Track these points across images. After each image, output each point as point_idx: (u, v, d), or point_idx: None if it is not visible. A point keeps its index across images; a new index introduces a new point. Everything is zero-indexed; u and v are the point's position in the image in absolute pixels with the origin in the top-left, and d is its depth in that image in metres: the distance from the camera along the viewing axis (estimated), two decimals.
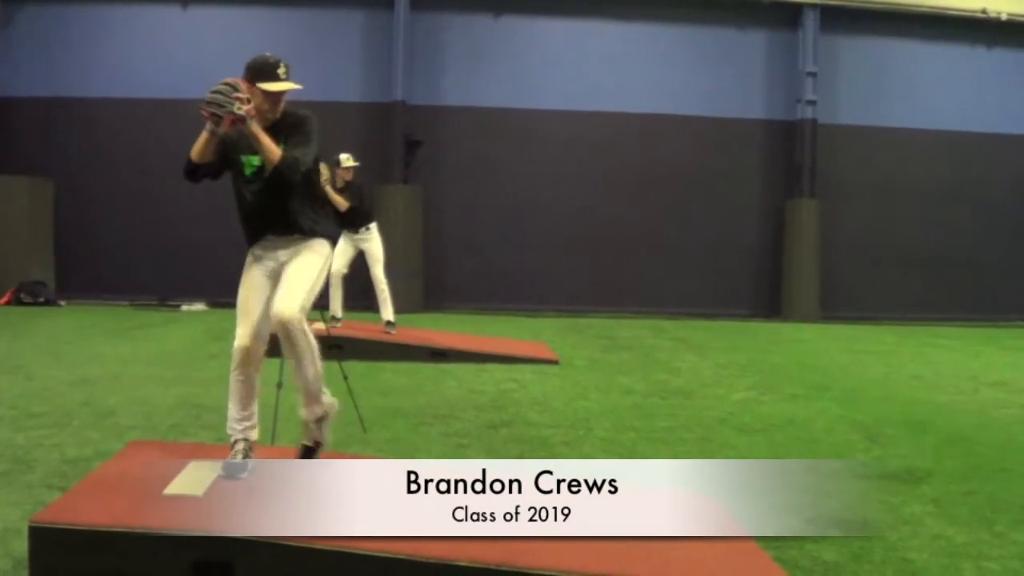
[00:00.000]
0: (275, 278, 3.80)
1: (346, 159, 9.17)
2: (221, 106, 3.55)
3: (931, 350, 11.12)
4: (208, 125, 3.62)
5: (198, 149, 3.69)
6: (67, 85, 14.46)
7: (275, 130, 3.71)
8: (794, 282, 15.14)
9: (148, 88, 14.16)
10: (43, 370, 7.41)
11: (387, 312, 9.30)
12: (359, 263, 9.41)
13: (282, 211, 3.77)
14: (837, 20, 15.34)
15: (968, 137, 15.56)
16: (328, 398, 3.88)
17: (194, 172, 3.76)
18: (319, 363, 3.75)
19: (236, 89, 3.58)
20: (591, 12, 15.24)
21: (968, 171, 15.58)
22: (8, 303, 13.28)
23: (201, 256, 13.83)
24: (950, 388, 8.12)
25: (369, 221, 9.30)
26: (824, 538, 3.68)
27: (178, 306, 13.71)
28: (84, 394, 6.41)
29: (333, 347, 6.57)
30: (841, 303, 15.24)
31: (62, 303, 13.59)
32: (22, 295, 13.42)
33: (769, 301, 15.36)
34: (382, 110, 14.71)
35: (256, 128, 3.60)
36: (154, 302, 13.98)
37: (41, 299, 13.49)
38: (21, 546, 3.22)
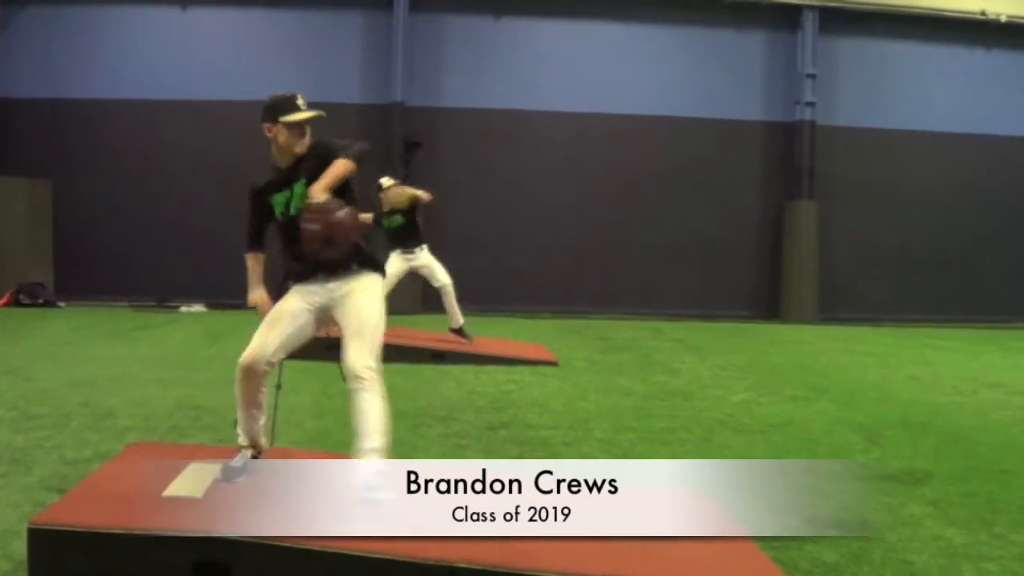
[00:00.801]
0: (321, 313, 3.82)
1: (386, 181, 9.18)
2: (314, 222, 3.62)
3: (930, 351, 11.11)
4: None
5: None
6: (67, 86, 14.43)
7: (304, 164, 3.70)
8: (793, 283, 15.13)
9: (148, 88, 14.14)
10: (42, 371, 7.40)
11: (456, 318, 9.27)
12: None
13: None
14: (836, 21, 15.34)
15: (967, 139, 15.55)
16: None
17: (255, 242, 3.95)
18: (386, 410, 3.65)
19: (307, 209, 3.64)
20: (591, 14, 15.23)
21: (967, 173, 15.57)
22: (7, 304, 13.26)
23: (200, 257, 13.82)
24: (949, 389, 8.11)
25: (420, 242, 9.28)
26: (823, 539, 3.69)
27: (177, 307, 13.68)
28: (83, 395, 6.40)
29: (334, 348, 6.59)
30: (840, 304, 15.23)
31: (61, 304, 13.58)
32: (21, 296, 13.41)
33: (768, 302, 15.35)
34: (381, 111, 14.69)
35: (321, 189, 3.60)
36: (153, 303, 13.96)
37: (40, 300, 13.47)
38: (20, 548, 3.21)
